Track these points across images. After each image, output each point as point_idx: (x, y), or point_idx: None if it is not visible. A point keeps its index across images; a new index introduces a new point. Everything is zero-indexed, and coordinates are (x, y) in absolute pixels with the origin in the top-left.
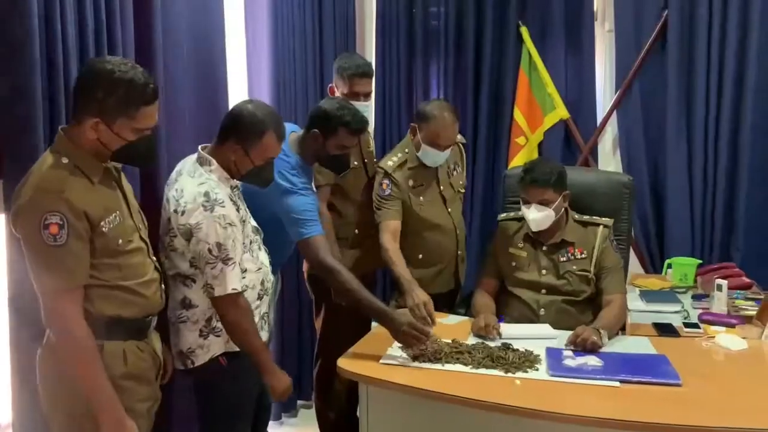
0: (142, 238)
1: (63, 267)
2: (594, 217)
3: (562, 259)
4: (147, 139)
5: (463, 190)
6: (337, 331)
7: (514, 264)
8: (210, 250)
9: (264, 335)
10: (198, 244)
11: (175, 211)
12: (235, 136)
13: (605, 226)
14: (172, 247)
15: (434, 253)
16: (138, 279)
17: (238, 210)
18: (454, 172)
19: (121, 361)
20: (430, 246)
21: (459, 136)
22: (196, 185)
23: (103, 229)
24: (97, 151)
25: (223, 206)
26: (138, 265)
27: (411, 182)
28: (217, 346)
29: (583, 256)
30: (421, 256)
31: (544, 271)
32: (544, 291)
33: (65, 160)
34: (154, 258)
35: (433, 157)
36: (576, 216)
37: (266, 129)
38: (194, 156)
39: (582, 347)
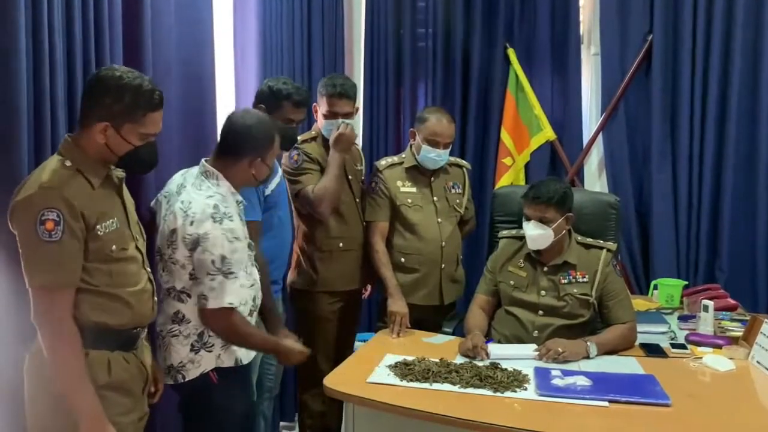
0: (138, 248)
1: (56, 263)
2: (598, 241)
3: (563, 281)
4: (151, 146)
5: (461, 210)
6: (319, 347)
7: (512, 282)
8: (213, 262)
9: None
10: (203, 254)
11: (184, 222)
12: (252, 152)
13: (608, 250)
14: (173, 260)
15: (414, 258)
16: (129, 287)
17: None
18: (452, 190)
19: (105, 371)
20: (411, 250)
21: (463, 162)
22: (204, 197)
23: (99, 232)
24: (103, 157)
25: (232, 220)
26: (130, 273)
27: (400, 182)
28: (208, 361)
29: (585, 279)
30: (403, 260)
31: (543, 292)
32: (541, 312)
33: (68, 164)
34: (149, 269)
35: (433, 157)
36: (579, 238)
37: (274, 134)
38: (194, 170)
39: (552, 359)
